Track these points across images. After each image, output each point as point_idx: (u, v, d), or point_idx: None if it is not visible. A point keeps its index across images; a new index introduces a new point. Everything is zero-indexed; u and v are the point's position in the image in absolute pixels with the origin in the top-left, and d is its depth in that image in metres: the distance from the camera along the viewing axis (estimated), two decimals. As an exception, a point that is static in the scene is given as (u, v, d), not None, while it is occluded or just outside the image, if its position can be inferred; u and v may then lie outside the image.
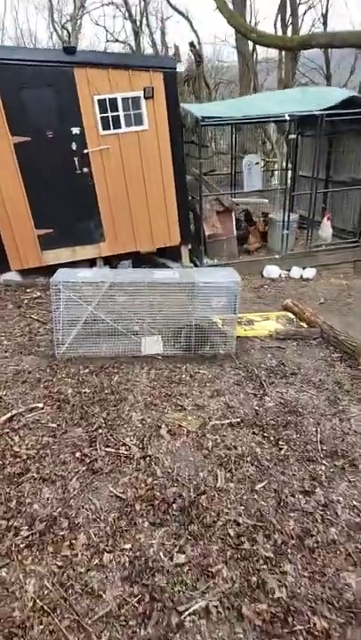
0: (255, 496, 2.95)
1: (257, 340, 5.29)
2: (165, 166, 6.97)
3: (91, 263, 7.37)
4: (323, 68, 24.02)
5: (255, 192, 8.57)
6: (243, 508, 2.86)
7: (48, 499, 2.90)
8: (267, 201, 10.75)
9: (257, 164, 7.24)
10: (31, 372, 4.43)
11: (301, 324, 5.75)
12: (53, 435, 3.52)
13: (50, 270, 5.39)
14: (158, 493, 2.95)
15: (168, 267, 7.83)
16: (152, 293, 4.72)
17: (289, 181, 7.72)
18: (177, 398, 4.05)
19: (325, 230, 8.07)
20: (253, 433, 3.60)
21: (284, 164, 10.08)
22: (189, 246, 7.60)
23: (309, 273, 7.70)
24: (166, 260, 8.04)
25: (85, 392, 4.09)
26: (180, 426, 3.65)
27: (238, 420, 3.75)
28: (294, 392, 4.17)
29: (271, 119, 6.85)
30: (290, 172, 8.31)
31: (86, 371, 4.48)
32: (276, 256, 7.96)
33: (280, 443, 3.48)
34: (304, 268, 7.77)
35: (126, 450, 3.35)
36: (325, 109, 7.03)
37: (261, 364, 4.68)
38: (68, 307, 4.78)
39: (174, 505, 2.86)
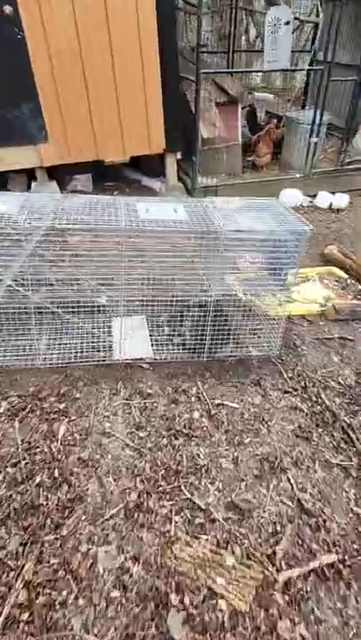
0: None
1: (303, 321, 3.07)
2: (145, 17, 4.06)
3: (29, 176, 4.65)
4: None
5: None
6: None
7: None
8: (272, 97, 7.90)
9: (288, 23, 4.42)
10: None
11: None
12: None
13: None
14: None
15: (146, 187, 5.22)
16: (137, 245, 2.29)
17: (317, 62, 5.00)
18: (190, 483, 1.86)
19: (365, 140, 5.57)
20: (379, 604, 1.52)
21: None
22: (178, 155, 4.95)
23: (341, 201, 5.31)
24: (142, 177, 5.39)
25: (-8, 481, 1.81)
26: (212, 592, 1.50)
27: (335, 557, 1.63)
28: None
29: None
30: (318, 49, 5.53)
31: (2, 408, 2.16)
32: (297, 175, 5.45)
33: None
34: (333, 194, 5.37)
35: None
36: None
37: (328, 381, 2.50)
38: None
39: None
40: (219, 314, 2.47)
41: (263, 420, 2.20)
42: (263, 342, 2.67)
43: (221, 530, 1.70)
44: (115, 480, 1.85)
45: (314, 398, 2.36)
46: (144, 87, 4.43)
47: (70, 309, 2.56)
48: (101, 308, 2.74)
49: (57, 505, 1.72)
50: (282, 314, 2.52)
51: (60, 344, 2.53)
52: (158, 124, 4.65)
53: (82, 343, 2.55)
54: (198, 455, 2.00)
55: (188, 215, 2.32)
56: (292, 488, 1.87)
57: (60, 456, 1.92)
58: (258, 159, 5.68)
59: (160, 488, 1.83)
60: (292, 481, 1.90)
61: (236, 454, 2.01)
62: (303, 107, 6.73)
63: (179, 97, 4.81)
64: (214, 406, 2.27)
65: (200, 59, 4.57)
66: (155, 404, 2.26)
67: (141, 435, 2.08)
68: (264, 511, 1.77)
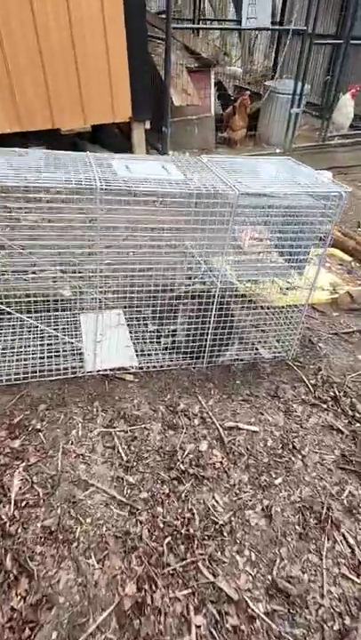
0: None
1: (314, 311, 2.53)
2: None
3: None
4: None
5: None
6: None
7: None
8: (240, 70, 7.32)
9: (269, -28, 3.83)
10: None
11: (368, 273, 3.04)
12: None
13: None
14: None
15: (110, 161, 4.49)
16: (113, 215, 1.63)
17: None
18: (210, 554, 1.26)
19: (346, 113, 5.08)
20: None
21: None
22: (147, 125, 4.26)
23: (324, 179, 4.84)
24: (103, 150, 4.66)
25: None
26: None
27: None
28: None
29: None
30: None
31: None
32: (277, 150, 4.92)
33: None
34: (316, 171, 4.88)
35: None
36: None
37: (359, 387, 1.97)
38: None
39: None
40: (223, 307, 1.88)
41: (293, 447, 1.63)
42: (275, 341, 2.10)
43: (267, 635, 1.11)
44: (99, 561, 1.22)
45: (350, 412, 1.82)
46: (106, 43, 3.70)
47: (24, 305, 1.88)
48: (66, 303, 2.07)
49: (11, 619, 1.06)
50: (304, 303, 1.96)
51: (12, 352, 1.84)
52: (124, 88, 3.94)
53: (41, 350, 1.87)
54: (215, 507, 1.40)
55: (184, 174, 1.69)
56: (353, 552, 1.31)
57: (14, 528, 1.26)
58: (232, 133, 5.08)
59: (168, 568, 1.22)
60: (351, 540, 1.34)
61: (266, 503, 1.43)
62: (272, 79, 6.21)
63: (147, 57, 4.11)
64: (226, 431, 1.67)
65: (170, 13, 3.92)
66: (146, 432, 1.63)
67: (132, 480, 1.46)
68: (322, 595, 1.21)
